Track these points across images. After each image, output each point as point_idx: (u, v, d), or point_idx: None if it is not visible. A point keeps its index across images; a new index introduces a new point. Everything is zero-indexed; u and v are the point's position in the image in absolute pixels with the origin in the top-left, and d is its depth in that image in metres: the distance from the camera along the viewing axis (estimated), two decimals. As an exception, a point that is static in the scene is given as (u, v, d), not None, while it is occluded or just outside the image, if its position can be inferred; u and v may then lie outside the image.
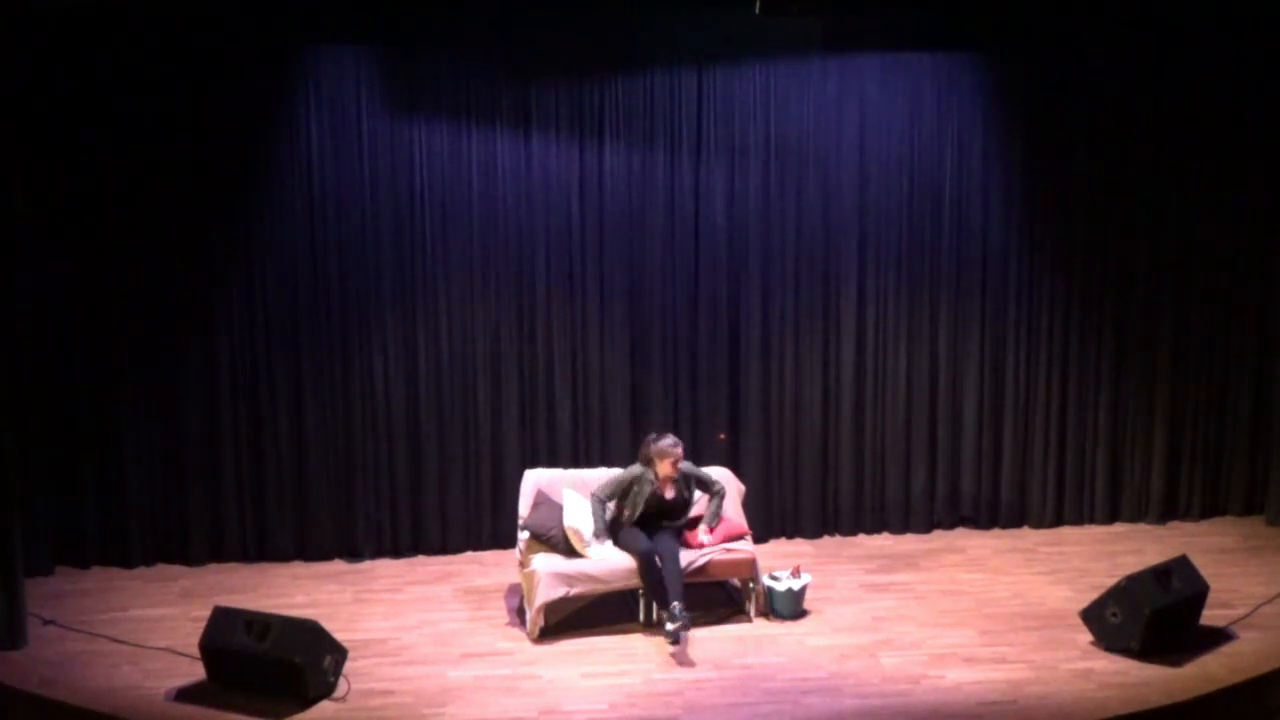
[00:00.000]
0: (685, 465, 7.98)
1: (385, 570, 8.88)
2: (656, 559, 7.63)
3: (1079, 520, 9.67)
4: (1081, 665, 7.30)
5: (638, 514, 7.84)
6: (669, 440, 7.93)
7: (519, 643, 7.66)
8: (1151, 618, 7.24)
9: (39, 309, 8.44)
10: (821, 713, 6.80)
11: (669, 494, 7.91)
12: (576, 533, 7.84)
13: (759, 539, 8.77)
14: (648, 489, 7.86)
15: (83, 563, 8.78)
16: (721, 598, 8.18)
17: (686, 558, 7.80)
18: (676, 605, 7.44)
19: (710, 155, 9.04)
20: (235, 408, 8.81)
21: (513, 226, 8.95)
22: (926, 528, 9.54)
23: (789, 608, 7.94)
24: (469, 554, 9.14)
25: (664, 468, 7.87)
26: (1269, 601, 8.06)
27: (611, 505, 7.92)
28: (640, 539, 7.74)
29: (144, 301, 8.61)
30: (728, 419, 9.31)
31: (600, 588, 7.73)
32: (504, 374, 9.08)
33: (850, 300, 9.33)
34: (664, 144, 9.00)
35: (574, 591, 7.66)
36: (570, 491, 8.11)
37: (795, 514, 9.48)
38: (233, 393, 8.80)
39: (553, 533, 7.91)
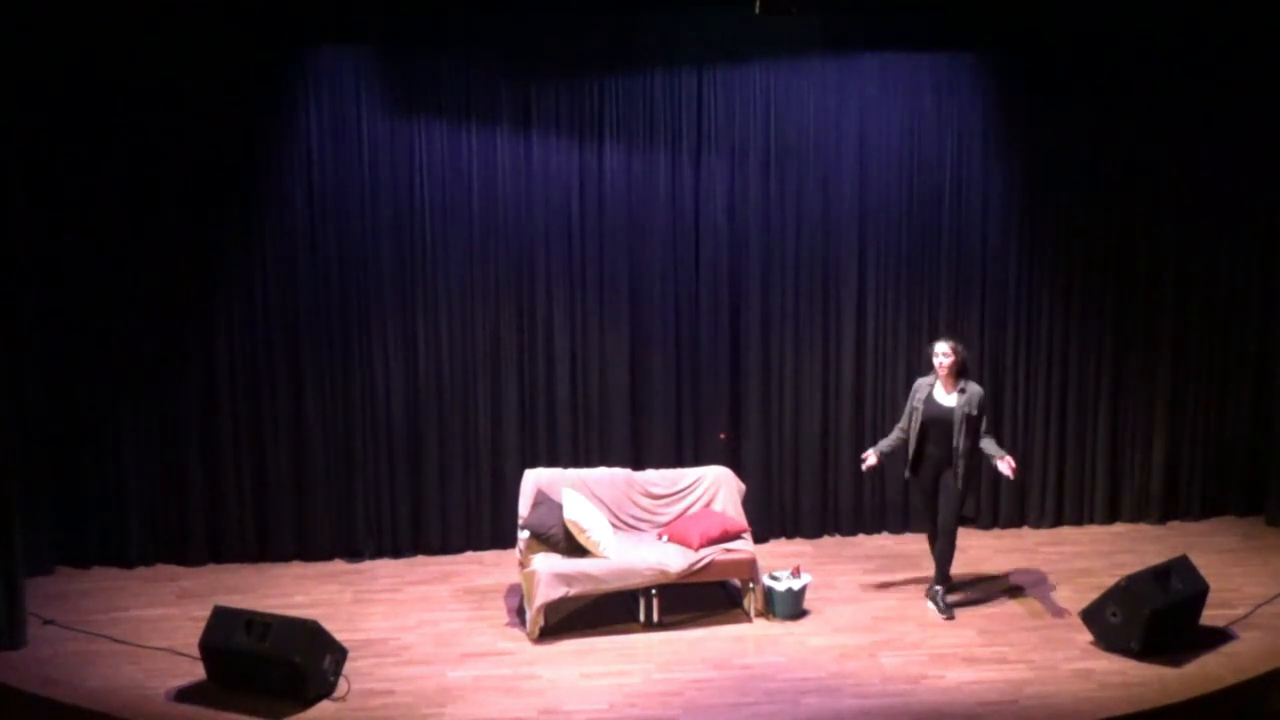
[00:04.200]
0: (974, 386, 7.94)
1: (385, 570, 8.88)
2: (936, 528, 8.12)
3: (1079, 520, 9.68)
4: (1081, 665, 7.30)
5: (917, 422, 7.96)
6: (937, 343, 7.99)
7: (519, 643, 7.67)
8: (1151, 618, 7.24)
9: (39, 309, 8.44)
10: (821, 713, 6.81)
11: (941, 399, 7.91)
12: (577, 525, 7.83)
13: (759, 539, 8.78)
14: (923, 392, 7.98)
15: (83, 563, 8.78)
16: (722, 598, 8.19)
17: (687, 558, 7.81)
18: (938, 590, 8.07)
19: (710, 155, 9.05)
20: (235, 408, 8.81)
21: (513, 226, 8.95)
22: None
23: (788, 608, 7.94)
24: (469, 554, 9.15)
25: (937, 367, 7.93)
26: (1269, 601, 8.07)
27: (901, 429, 8.11)
28: (925, 509, 8.19)
29: (144, 301, 8.61)
30: (728, 419, 9.32)
31: (600, 588, 7.73)
32: (504, 374, 9.08)
33: (850, 300, 9.34)
34: (664, 144, 9.00)
35: (574, 591, 7.66)
36: (570, 491, 8.10)
37: (795, 514, 9.48)
38: (232, 393, 8.80)
39: (553, 532, 7.91)
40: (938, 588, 8.09)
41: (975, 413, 7.88)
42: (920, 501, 8.36)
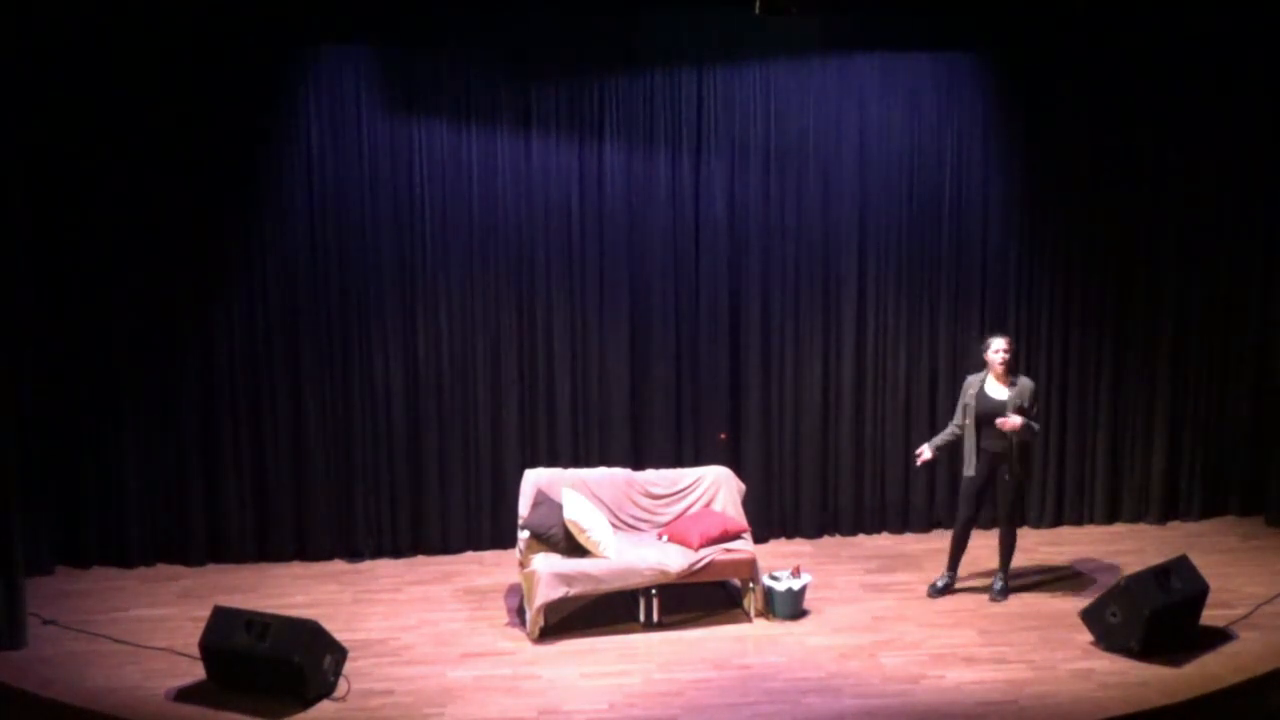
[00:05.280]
0: (1025, 380, 8.14)
1: (385, 570, 8.88)
2: (968, 528, 8.27)
3: (1079, 520, 9.69)
4: (1081, 665, 7.30)
5: (971, 415, 8.11)
6: (995, 339, 8.17)
7: (519, 643, 7.67)
8: (1151, 618, 7.24)
9: (39, 309, 8.44)
10: (821, 713, 6.81)
11: (993, 393, 8.07)
12: (577, 525, 7.83)
13: (759, 539, 8.79)
14: (974, 388, 8.13)
15: (83, 563, 8.78)
16: (722, 598, 8.19)
17: (687, 558, 7.81)
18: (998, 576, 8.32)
19: (710, 155, 9.05)
20: (235, 408, 8.81)
21: (513, 226, 8.95)
22: (926, 528, 9.55)
23: (788, 608, 7.94)
24: (469, 554, 9.15)
25: (989, 362, 8.12)
26: (1269, 601, 8.07)
27: (956, 426, 8.26)
28: (966, 504, 8.23)
29: (144, 301, 8.61)
30: (728, 419, 9.32)
31: (600, 588, 7.73)
32: (504, 374, 9.08)
33: (850, 300, 9.34)
34: (664, 144, 9.00)
35: (574, 591, 7.66)
36: (570, 491, 8.11)
37: (795, 514, 9.48)
38: (232, 393, 8.79)
39: (553, 532, 7.91)
40: (1000, 576, 8.34)
41: (1027, 404, 8.01)
42: (965, 496, 8.26)
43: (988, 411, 8.05)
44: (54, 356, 8.54)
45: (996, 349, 8.08)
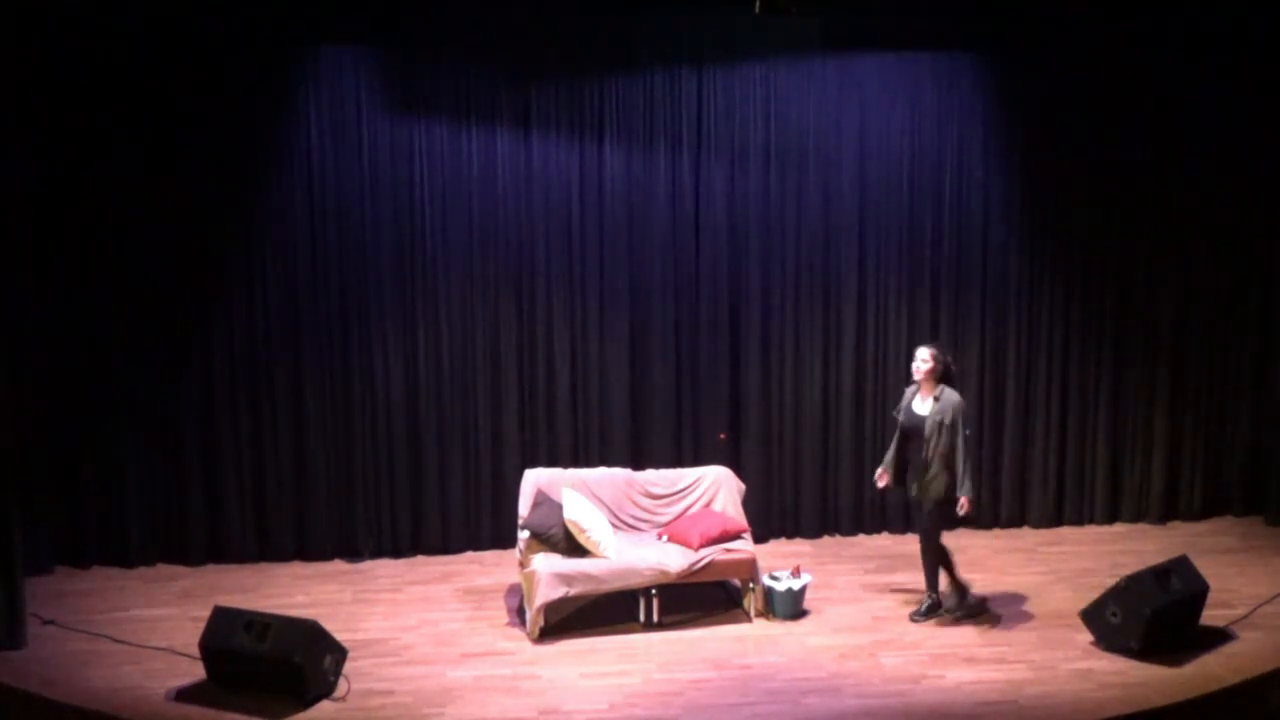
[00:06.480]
0: (950, 395, 7.61)
1: (385, 570, 8.88)
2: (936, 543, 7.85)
3: (1079, 520, 9.68)
4: (1081, 665, 7.30)
5: (900, 424, 7.84)
6: (918, 349, 7.79)
7: (519, 643, 7.67)
8: (1151, 618, 7.25)
9: (39, 309, 8.44)
10: (821, 713, 6.81)
11: (917, 408, 7.70)
12: (577, 525, 7.83)
13: (759, 539, 8.78)
14: (904, 400, 7.85)
15: (83, 563, 8.78)
16: (722, 598, 8.19)
17: (687, 558, 7.81)
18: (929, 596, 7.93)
19: (710, 155, 9.05)
20: (235, 408, 8.81)
21: (513, 226, 8.95)
22: (926, 528, 9.54)
23: (788, 608, 7.94)
24: (469, 554, 9.15)
25: (914, 372, 7.75)
26: (1269, 601, 8.07)
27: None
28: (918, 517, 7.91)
29: (144, 301, 8.61)
30: (728, 419, 9.32)
31: (600, 588, 7.73)
32: (504, 374, 9.08)
33: (850, 300, 9.34)
34: (664, 144, 9.00)
35: (574, 591, 7.66)
36: (570, 491, 8.11)
37: (795, 514, 9.48)
38: (233, 393, 8.79)
39: (553, 532, 7.91)
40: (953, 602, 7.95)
41: (948, 421, 7.58)
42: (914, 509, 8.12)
43: (910, 426, 7.74)
44: (54, 357, 8.53)
45: (916, 358, 7.71)
